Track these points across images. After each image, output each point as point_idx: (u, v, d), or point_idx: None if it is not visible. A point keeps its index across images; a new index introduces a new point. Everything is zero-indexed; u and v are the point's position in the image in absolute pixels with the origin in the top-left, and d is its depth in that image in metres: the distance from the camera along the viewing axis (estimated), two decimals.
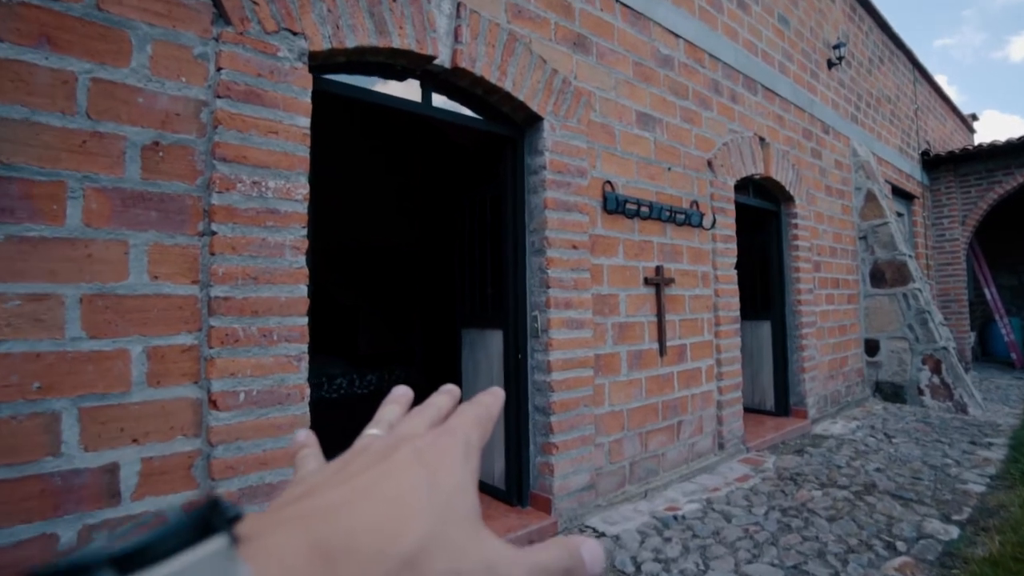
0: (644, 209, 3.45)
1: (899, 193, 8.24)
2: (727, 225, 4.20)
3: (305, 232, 2.11)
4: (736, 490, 3.48)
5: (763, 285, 5.33)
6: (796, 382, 5.13)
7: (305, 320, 2.10)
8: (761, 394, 5.25)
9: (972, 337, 9.23)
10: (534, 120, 3.00)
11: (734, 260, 4.24)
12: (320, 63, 2.32)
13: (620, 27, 3.51)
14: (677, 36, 3.98)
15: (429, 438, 0.28)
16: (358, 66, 2.53)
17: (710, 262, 4.05)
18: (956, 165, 9.05)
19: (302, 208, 2.10)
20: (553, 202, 2.94)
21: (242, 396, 1.93)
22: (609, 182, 3.30)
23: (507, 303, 3.01)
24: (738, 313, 4.22)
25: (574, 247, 3.02)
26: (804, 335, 5.13)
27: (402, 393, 0.37)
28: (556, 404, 2.87)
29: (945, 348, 5.97)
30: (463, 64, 2.64)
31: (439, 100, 2.81)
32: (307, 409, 2.07)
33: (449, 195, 3.52)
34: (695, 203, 3.93)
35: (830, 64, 6.30)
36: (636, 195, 3.47)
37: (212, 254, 1.90)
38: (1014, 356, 9.10)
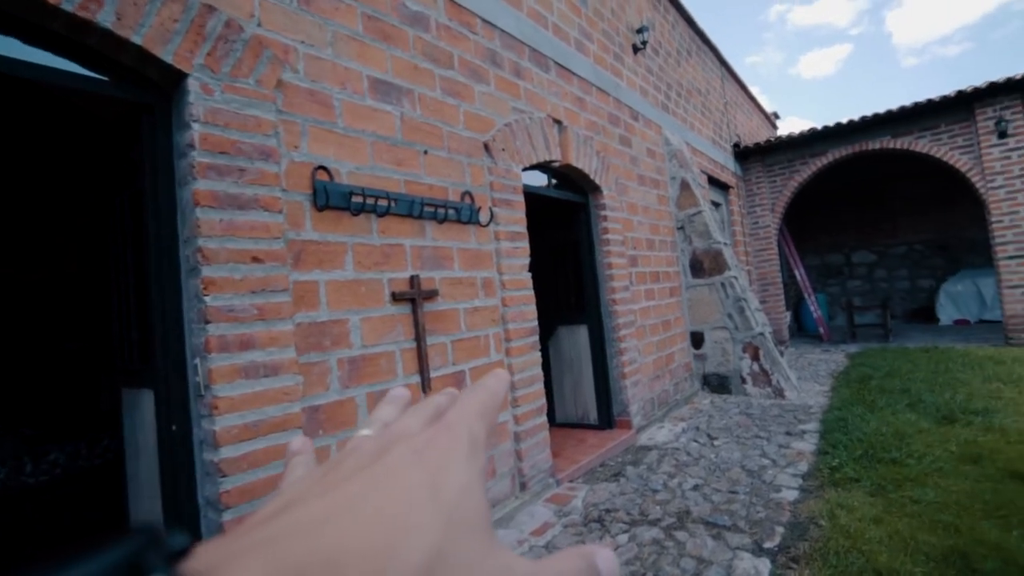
0: (383, 203, 2.63)
1: (716, 183, 8.41)
2: (514, 220, 3.54)
3: None
4: (528, 551, 2.79)
5: (577, 285, 4.82)
6: (618, 389, 4.67)
7: None
8: (583, 408, 4.73)
9: (788, 316, 9.79)
10: (179, 79, 2.04)
11: (526, 262, 3.59)
12: None
13: None
14: None
15: (427, 435, 0.24)
16: None
17: (494, 266, 3.35)
18: (763, 156, 9.53)
19: None
20: (209, 196, 2.00)
21: None
22: (324, 168, 2.43)
23: (155, 349, 2.02)
24: (535, 323, 3.58)
25: (256, 260, 2.10)
26: (622, 337, 4.69)
27: (399, 395, 0.33)
28: (231, 494, 1.93)
29: (762, 334, 5.95)
30: None
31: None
32: None
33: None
34: (468, 195, 3.20)
35: (635, 49, 6.03)
36: (373, 185, 2.64)
37: None
38: (821, 330, 9.79)
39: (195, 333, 2.00)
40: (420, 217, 2.84)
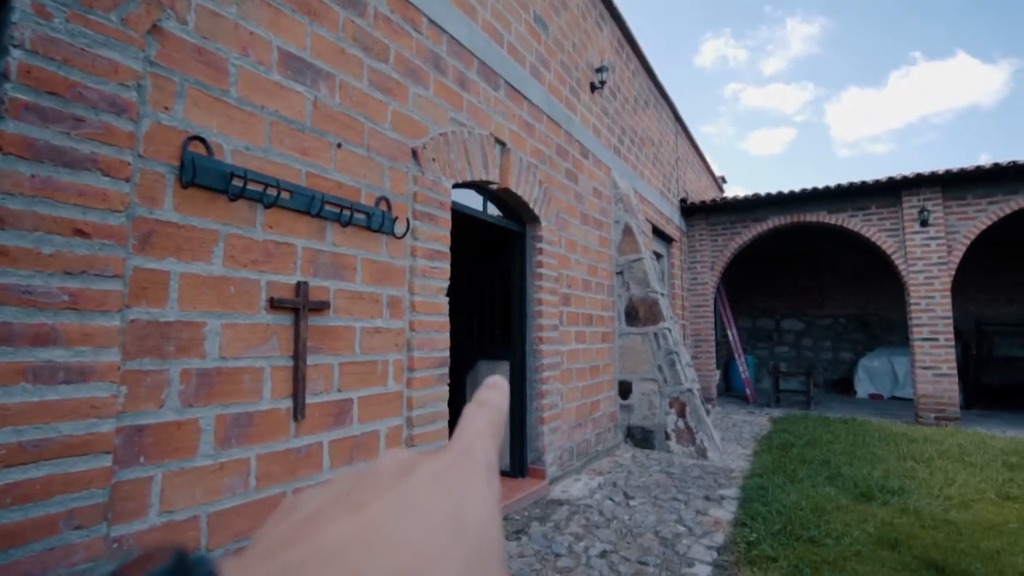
0: (272, 192, 2.23)
1: (660, 234, 8.41)
2: (437, 237, 3.20)
3: None
4: None
5: (504, 319, 4.51)
6: (535, 435, 4.33)
7: None
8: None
9: (717, 375, 9.81)
10: None
11: (444, 285, 3.24)
12: None
13: None
14: None
15: (447, 459, 0.22)
16: None
17: (406, 284, 2.98)
18: (708, 215, 9.69)
19: None
20: (20, 143, 1.56)
21: None
22: (201, 140, 2.03)
23: None
24: (446, 354, 3.21)
25: (80, 233, 1.66)
26: (545, 379, 4.38)
27: None
28: None
29: (690, 390, 5.79)
30: None
31: None
32: None
33: None
34: (385, 201, 2.85)
35: (593, 87, 5.95)
36: (265, 170, 2.25)
37: None
38: (749, 391, 9.86)
39: None
40: (320, 216, 2.45)
